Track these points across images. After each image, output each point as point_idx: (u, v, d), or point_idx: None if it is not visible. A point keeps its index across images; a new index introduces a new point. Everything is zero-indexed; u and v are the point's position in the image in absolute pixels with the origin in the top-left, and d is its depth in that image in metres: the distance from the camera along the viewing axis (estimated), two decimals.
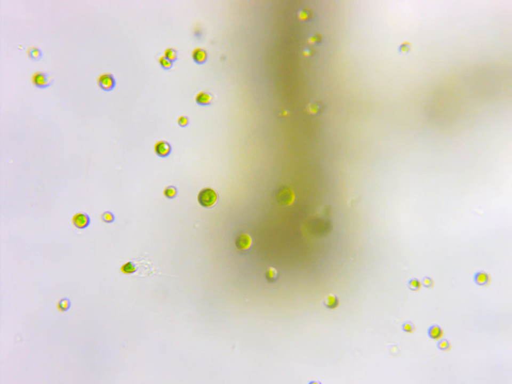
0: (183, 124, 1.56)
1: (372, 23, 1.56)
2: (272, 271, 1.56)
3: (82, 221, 1.56)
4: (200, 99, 1.56)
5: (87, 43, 1.57)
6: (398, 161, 1.55)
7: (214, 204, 1.55)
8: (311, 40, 1.55)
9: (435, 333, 1.55)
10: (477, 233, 1.56)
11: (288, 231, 1.56)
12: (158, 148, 1.57)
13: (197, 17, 1.56)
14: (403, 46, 1.55)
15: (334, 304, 1.55)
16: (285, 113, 1.51)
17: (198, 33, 1.56)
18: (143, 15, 1.57)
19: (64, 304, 1.55)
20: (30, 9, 1.57)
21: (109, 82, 1.56)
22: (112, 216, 1.56)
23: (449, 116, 1.55)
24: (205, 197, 1.54)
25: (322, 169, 1.56)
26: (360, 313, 1.55)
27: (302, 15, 1.56)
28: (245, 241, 1.56)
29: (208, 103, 1.56)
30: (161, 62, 1.55)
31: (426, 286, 1.55)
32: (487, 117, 1.55)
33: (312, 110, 1.50)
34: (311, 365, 1.56)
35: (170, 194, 1.56)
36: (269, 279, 1.56)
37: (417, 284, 1.55)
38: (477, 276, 1.55)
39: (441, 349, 1.55)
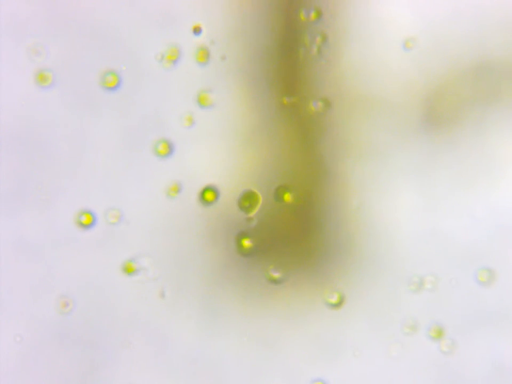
0: (185, 124, 1.56)
1: (374, 21, 1.55)
2: (272, 272, 1.55)
3: (86, 220, 1.56)
4: (201, 100, 1.55)
5: (88, 42, 1.57)
6: (398, 160, 1.54)
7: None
8: (312, 40, 1.54)
9: (437, 333, 1.54)
10: (477, 231, 1.55)
11: (290, 231, 1.55)
12: (159, 148, 1.56)
13: (197, 17, 1.55)
14: (407, 42, 1.54)
15: (339, 303, 1.54)
16: (286, 102, 1.50)
17: (197, 33, 1.55)
18: (144, 15, 1.56)
19: (64, 303, 1.56)
20: (31, 8, 1.57)
21: (115, 80, 1.56)
22: (115, 216, 1.56)
23: (451, 114, 1.53)
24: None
25: (324, 168, 1.55)
26: (361, 314, 1.55)
27: (303, 15, 1.54)
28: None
29: (209, 105, 1.55)
30: (165, 60, 1.55)
31: (428, 287, 1.54)
32: (490, 117, 1.53)
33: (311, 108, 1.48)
34: (311, 365, 1.56)
35: (173, 194, 1.56)
36: (272, 281, 1.56)
37: (418, 284, 1.54)
38: (478, 274, 1.54)
39: (443, 349, 1.55)
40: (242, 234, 1.55)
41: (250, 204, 1.54)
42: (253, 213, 1.54)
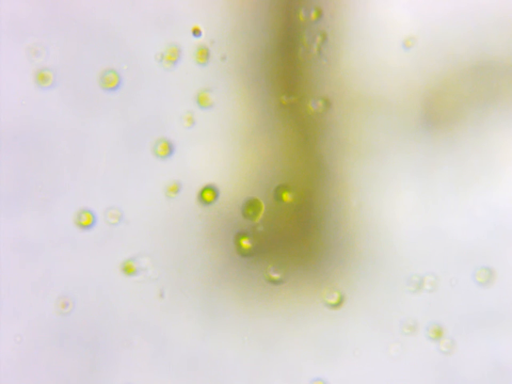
0: (185, 124, 1.56)
1: (374, 21, 1.54)
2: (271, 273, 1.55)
3: (85, 220, 1.56)
4: (201, 100, 1.55)
5: (88, 42, 1.57)
6: (398, 160, 1.54)
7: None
8: (312, 40, 1.54)
9: (436, 333, 1.54)
10: (476, 231, 1.55)
11: (290, 230, 1.55)
12: (159, 148, 1.56)
13: (197, 17, 1.55)
14: (407, 41, 1.53)
15: (338, 303, 1.54)
16: (284, 101, 1.50)
17: (197, 35, 1.55)
18: (144, 15, 1.56)
19: (64, 303, 1.56)
20: (31, 8, 1.57)
21: (115, 80, 1.56)
22: (115, 216, 1.56)
23: (450, 114, 1.53)
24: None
25: (323, 168, 1.55)
26: (360, 314, 1.55)
27: (303, 15, 1.54)
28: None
29: (208, 105, 1.55)
30: (165, 60, 1.55)
31: (427, 286, 1.54)
32: (490, 116, 1.53)
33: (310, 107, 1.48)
34: (311, 365, 1.56)
35: (172, 195, 1.56)
36: (272, 281, 1.56)
37: (418, 284, 1.54)
38: (477, 274, 1.54)
39: (442, 349, 1.54)
40: (241, 234, 1.55)
41: (254, 211, 1.54)
42: (256, 220, 1.54)
